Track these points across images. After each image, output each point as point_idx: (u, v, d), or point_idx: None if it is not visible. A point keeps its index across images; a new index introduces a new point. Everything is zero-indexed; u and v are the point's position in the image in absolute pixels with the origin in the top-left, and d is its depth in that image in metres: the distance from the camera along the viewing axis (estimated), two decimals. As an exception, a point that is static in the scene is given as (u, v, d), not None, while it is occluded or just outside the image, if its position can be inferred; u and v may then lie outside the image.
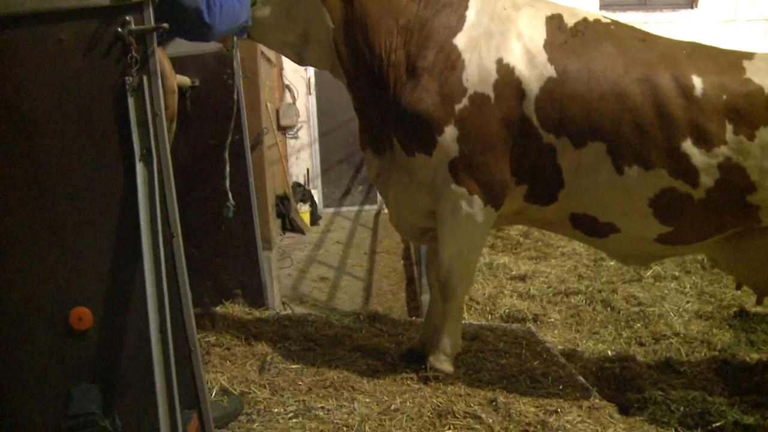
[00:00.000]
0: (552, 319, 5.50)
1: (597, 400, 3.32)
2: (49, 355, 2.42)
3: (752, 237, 3.40)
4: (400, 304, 6.57)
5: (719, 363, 4.48)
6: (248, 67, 4.93)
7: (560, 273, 6.67)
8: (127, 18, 2.31)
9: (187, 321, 2.43)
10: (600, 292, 5.97)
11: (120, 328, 2.40)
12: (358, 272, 7.76)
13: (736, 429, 3.29)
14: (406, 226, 3.77)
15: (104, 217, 2.37)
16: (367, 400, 3.16)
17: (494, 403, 3.15)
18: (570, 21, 3.37)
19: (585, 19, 3.39)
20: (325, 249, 8.96)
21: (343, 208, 12.16)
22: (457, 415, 2.94)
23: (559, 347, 4.74)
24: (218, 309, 4.47)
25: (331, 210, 12.03)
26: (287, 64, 10.98)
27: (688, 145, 3.17)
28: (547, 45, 3.27)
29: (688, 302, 5.68)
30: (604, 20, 3.45)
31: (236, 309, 4.48)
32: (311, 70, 11.22)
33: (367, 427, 2.78)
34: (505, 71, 3.23)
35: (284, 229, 9.62)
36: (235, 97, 3.83)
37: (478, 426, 2.88)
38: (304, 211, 10.42)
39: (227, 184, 3.89)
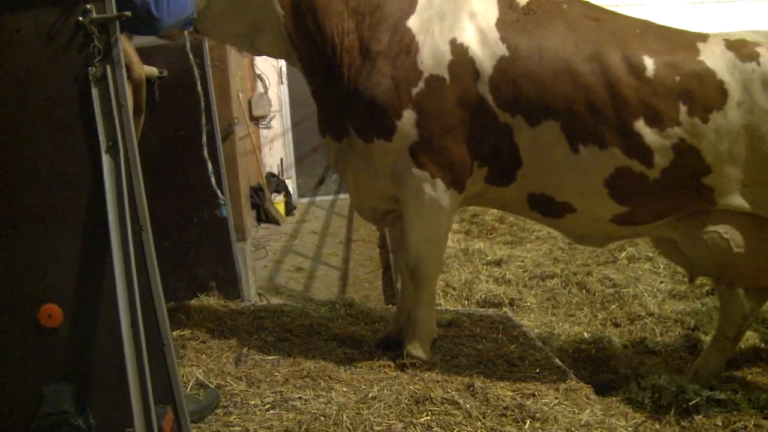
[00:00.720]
0: (528, 303, 5.54)
1: (574, 382, 3.34)
2: (19, 354, 2.37)
3: (704, 218, 3.41)
4: (376, 292, 6.57)
5: (693, 341, 4.54)
6: (217, 56, 4.88)
7: (536, 257, 6.71)
8: (88, 6, 2.25)
9: (159, 314, 2.38)
10: (575, 274, 6.02)
11: (91, 324, 2.36)
12: (334, 261, 7.75)
13: (710, 405, 3.32)
14: (367, 209, 3.77)
15: (71, 211, 2.32)
16: (344, 389, 3.14)
17: (471, 389, 3.15)
18: (522, 0, 3.37)
19: None
20: (301, 239, 8.93)
21: (318, 198, 12.12)
22: (434, 401, 2.94)
23: (536, 331, 4.76)
24: (193, 302, 4.43)
25: (305, 200, 11.99)
26: (258, 53, 10.86)
27: (640, 125, 3.18)
28: (499, 23, 3.28)
29: (662, 282, 5.75)
30: None
31: (211, 301, 4.43)
32: (282, 59, 11.11)
33: (344, 416, 2.76)
34: (459, 51, 3.23)
35: (259, 220, 9.57)
36: (199, 89, 3.73)
37: (455, 412, 2.88)
38: (278, 201, 10.37)
39: (214, 182, 3.80)
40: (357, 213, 3.90)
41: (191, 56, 3.72)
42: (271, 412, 2.92)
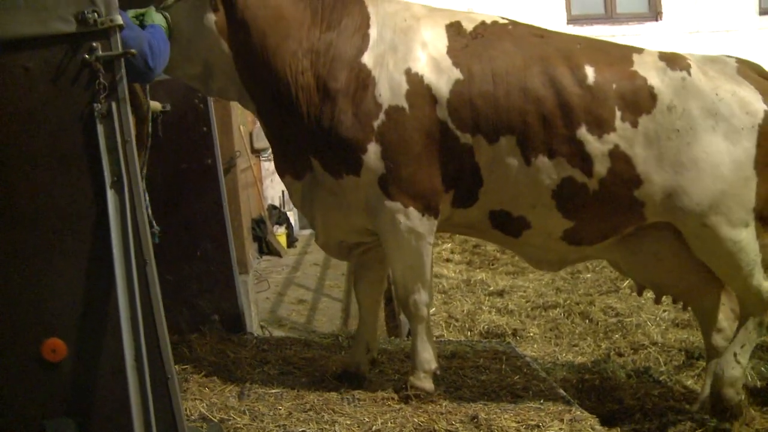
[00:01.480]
0: (531, 334, 5.53)
1: (578, 413, 3.32)
2: (22, 389, 2.37)
3: (642, 239, 3.57)
4: (378, 324, 6.54)
5: (698, 370, 4.51)
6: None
7: (538, 287, 6.71)
8: (94, 44, 2.30)
9: (163, 348, 2.39)
10: (578, 304, 6.02)
11: (94, 358, 2.36)
12: (336, 293, 7.72)
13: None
14: (334, 244, 3.77)
15: (76, 246, 2.34)
16: (348, 422, 3.13)
17: (476, 420, 3.13)
18: (468, 26, 3.48)
19: (483, 23, 3.51)
20: (303, 271, 8.91)
21: (320, 230, 12.09)
22: (439, 433, 2.93)
23: (539, 361, 4.74)
24: (195, 336, 4.40)
25: (307, 232, 11.96)
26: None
27: (582, 132, 3.33)
28: (450, 50, 3.38)
29: (664, 311, 5.73)
30: (501, 21, 3.57)
31: (214, 335, 4.41)
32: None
33: (349, 450, 2.75)
34: (415, 80, 3.32)
35: (261, 252, 9.56)
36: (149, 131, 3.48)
37: (460, 443, 2.86)
38: (280, 233, 10.36)
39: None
40: (322, 249, 3.91)
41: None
42: (274, 446, 2.90)
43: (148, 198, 3.17)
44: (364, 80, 3.32)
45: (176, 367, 3.50)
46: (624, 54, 3.51)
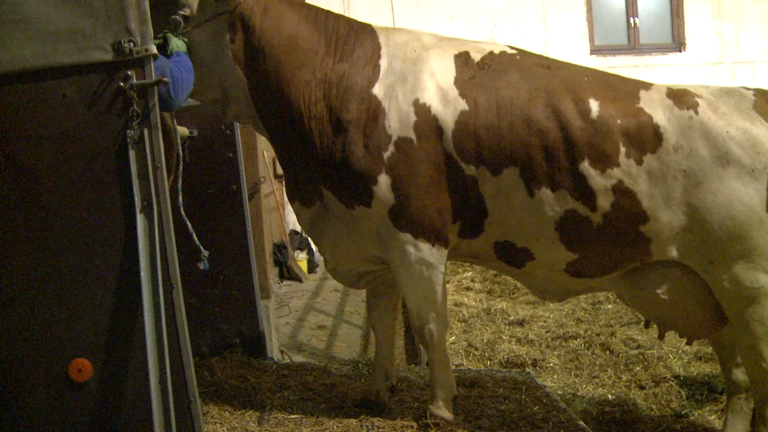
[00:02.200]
0: (551, 364, 5.48)
1: (599, 446, 3.30)
2: (48, 408, 2.41)
3: (648, 274, 3.49)
4: (398, 351, 6.53)
5: (720, 406, 4.46)
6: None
7: (558, 317, 6.66)
8: (129, 72, 2.37)
9: (188, 372, 2.43)
10: (598, 335, 5.96)
11: (120, 379, 2.40)
12: (356, 320, 7.72)
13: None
14: (343, 273, 3.77)
15: (105, 268, 2.40)
16: (368, 449, 3.13)
17: (495, 450, 3.12)
18: (476, 56, 3.49)
19: (491, 53, 3.51)
20: (323, 296, 8.93)
21: (340, 256, 12.10)
22: (458, 462, 2.92)
23: (559, 392, 4.71)
24: (216, 359, 4.44)
25: (327, 257, 12.00)
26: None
27: (585, 166, 3.29)
28: (457, 81, 3.39)
29: (686, 344, 5.65)
30: (509, 51, 3.57)
31: (235, 359, 4.45)
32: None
33: (368, 477, 2.75)
34: (423, 111, 3.33)
35: (282, 277, 9.60)
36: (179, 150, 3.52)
37: (479, 473, 2.85)
38: (301, 259, 10.40)
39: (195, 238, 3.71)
40: (332, 276, 3.90)
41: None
42: (293, 471, 2.91)
43: (191, 225, 3.22)
44: (374, 111, 3.34)
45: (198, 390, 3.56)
46: (630, 90, 3.46)
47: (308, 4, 3.56)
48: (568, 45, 11.28)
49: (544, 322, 6.51)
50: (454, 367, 3.86)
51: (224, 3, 3.31)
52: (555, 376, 5.24)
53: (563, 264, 3.49)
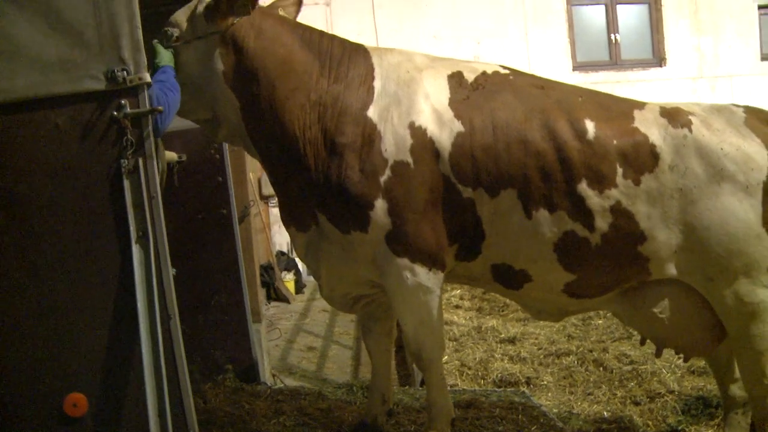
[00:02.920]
0: (545, 382, 5.46)
1: (598, 465, 3.28)
2: (42, 444, 2.36)
3: (645, 293, 3.48)
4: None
5: (717, 420, 4.46)
6: (233, 140, 4.97)
7: (549, 334, 6.66)
8: (123, 102, 2.35)
9: (186, 403, 2.39)
10: (591, 351, 5.95)
11: (117, 414, 2.35)
12: (346, 341, 7.68)
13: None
14: (338, 298, 3.73)
15: (100, 300, 2.36)
16: (367, 475, 3.09)
17: (496, 473, 3.10)
18: (470, 76, 3.46)
19: (484, 73, 3.49)
20: (312, 318, 8.88)
21: (327, 275, 12.05)
22: (459, 487, 2.89)
23: (555, 410, 4.68)
24: (209, 385, 4.39)
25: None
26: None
27: (583, 187, 3.28)
28: (452, 102, 3.36)
29: (679, 358, 5.65)
30: (502, 71, 3.55)
31: (227, 385, 4.39)
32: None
33: (369, 505, 2.71)
34: (419, 134, 3.29)
35: (269, 298, 9.54)
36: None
37: (482, 498, 2.82)
38: (288, 279, 10.36)
39: None
40: (327, 301, 3.85)
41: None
42: (293, 500, 2.87)
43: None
44: (370, 135, 3.29)
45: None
46: (624, 110, 3.46)
47: (301, 24, 3.51)
48: (551, 62, 11.39)
49: (536, 339, 6.50)
50: (449, 388, 3.82)
51: (215, 24, 3.25)
52: (549, 394, 5.22)
53: (561, 285, 3.47)
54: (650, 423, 4.53)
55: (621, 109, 3.47)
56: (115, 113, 2.33)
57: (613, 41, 11.98)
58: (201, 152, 4.41)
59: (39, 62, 2.31)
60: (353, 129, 3.30)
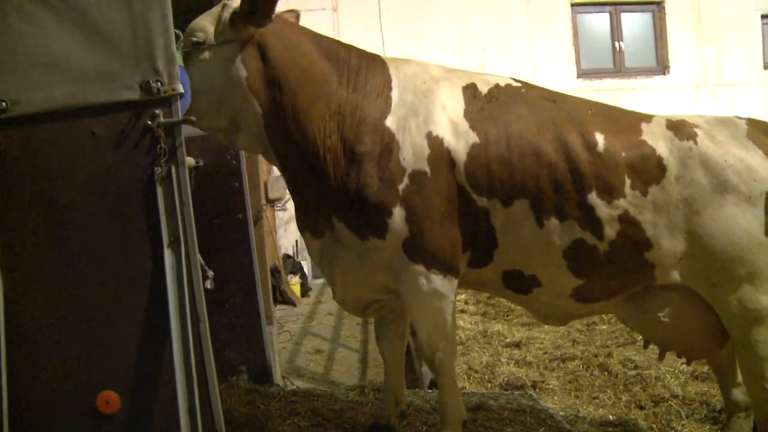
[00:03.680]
0: (551, 386, 5.55)
1: (607, 466, 3.36)
2: (75, 440, 2.44)
3: (651, 298, 3.56)
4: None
5: (720, 425, 4.54)
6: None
7: (554, 338, 6.74)
8: (156, 111, 2.44)
9: (214, 402, 2.48)
10: (596, 356, 6.03)
11: (148, 411, 2.44)
12: (353, 344, 7.74)
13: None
14: (351, 302, 3.79)
15: (133, 302, 2.45)
16: (382, 474, 3.17)
17: (508, 473, 3.18)
18: (484, 88, 3.55)
19: (497, 85, 3.58)
20: (318, 320, 8.94)
21: (332, 279, 12.11)
22: (472, 486, 2.97)
23: (561, 413, 4.77)
24: (223, 386, 4.46)
25: (320, 281, 12.01)
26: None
27: (593, 197, 3.37)
28: (467, 113, 3.43)
29: (683, 364, 5.73)
30: (514, 84, 3.64)
31: (241, 386, 4.47)
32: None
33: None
34: (436, 143, 3.37)
35: (275, 301, 9.61)
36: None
37: (495, 497, 2.90)
38: (294, 282, 10.43)
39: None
40: (340, 305, 3.91)
41: None
42: (311, 498, 2.95)
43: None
44: (388, 144, 3.36)
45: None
46: (632, 122, 3.55)
47: (319, 34, 3.57)
48: (556, 69, 11.48)
49: (541, 343, 6.58)
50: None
51: (238, 31, 3.28)
52: (555, 398, 5.30)
53: (569, 290, 3.56)
54: (654, 426, 4.61)
55: (629, 122, 3.56)
56: (149, 122, 2.42)
57: (617, 49, 12.07)
58: (218, 158, 4.50)
59: (77, 73, 2.40)
60: (372, 138, 3.36)
